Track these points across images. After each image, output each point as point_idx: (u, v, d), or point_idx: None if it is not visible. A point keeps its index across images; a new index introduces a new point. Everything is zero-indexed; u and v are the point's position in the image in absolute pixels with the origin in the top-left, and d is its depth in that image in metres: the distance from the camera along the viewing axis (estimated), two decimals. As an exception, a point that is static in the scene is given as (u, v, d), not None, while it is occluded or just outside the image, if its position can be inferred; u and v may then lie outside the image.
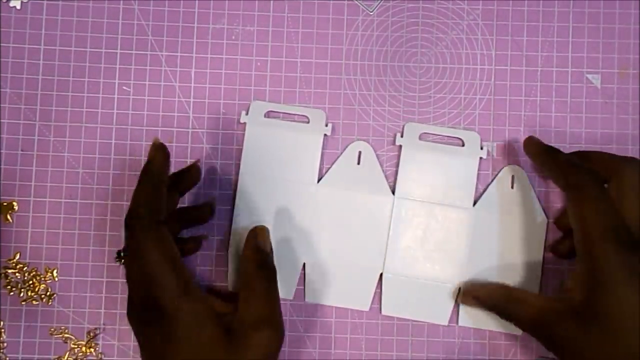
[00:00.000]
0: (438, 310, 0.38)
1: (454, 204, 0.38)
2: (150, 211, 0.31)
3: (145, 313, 0.30)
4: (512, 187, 0.38)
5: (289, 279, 0.38)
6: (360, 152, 0.38)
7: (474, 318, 0.38)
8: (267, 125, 0.38)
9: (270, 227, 0.38)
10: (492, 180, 0.38)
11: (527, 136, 0.37)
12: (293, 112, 0.38)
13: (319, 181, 0.38)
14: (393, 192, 0.38)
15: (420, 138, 0.38)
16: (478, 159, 0.38)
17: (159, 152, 0.32)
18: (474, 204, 0.38)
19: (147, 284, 0.30)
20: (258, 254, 0.34)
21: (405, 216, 0.38)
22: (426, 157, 0.38)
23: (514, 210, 0.38)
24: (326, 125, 0.38)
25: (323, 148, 0.38)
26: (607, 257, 0.30)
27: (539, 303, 0.33)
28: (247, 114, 0.38)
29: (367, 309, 0.38)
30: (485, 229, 0.38)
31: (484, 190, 0.38)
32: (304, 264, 0.38)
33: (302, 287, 0.38)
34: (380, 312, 0.38)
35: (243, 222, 0.38)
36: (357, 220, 0.38)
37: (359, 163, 0.38)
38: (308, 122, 0.38)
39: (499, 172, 0.38)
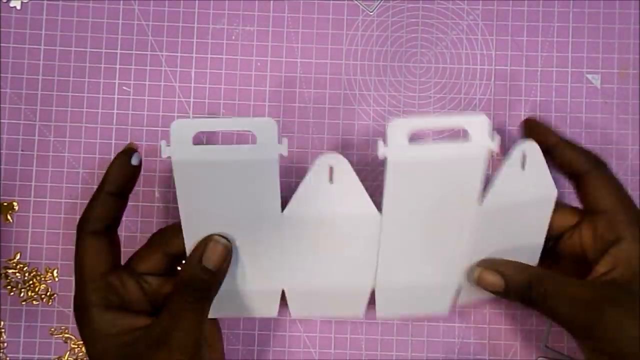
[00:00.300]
0: (437, 302, 0.35)
1: (455, 208, 0.31)
2: (84, 220, 0.32)
3: (75, 308, 0.32)
4: (523, 168, 0.32)
5: (268, 303, 0.34)
6: (331, 168, 0.31)
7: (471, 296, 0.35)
8: (200, 157, 0.29)
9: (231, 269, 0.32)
10: (499, 170, 0.31)
11: (525, 119, 0.35)
12: (229, 129, 0.30)
13: (283, 209, 0.31)
14: (379, 208, 0.32)
15: (410, 138, 0.30)
16: (486, 152, 0.30)
17: (117, 160, 0.32)
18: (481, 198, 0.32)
19: (76, 287, 0.32)
20: (200, 272, 0.31)
21: (397, 236, 0.32)
22: (421, 168, 0.30)
23: (523, 196, 0.32)
24: (280, 142, 0.29)
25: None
26: None
27: (580, 294, 0.31)
28: (168, 144, 0.29)
29: (360, 316, 0.35)
30: (492, 226, 0.32)
31: (490, 182, 0.32)
32: (283, 290, 0.34)
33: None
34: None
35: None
36: (337, 245, 0.32)
37: (331, 181, 0.31)
38: (255, 141, 0.29)
39: (509, 154, 0.31)
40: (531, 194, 0.32)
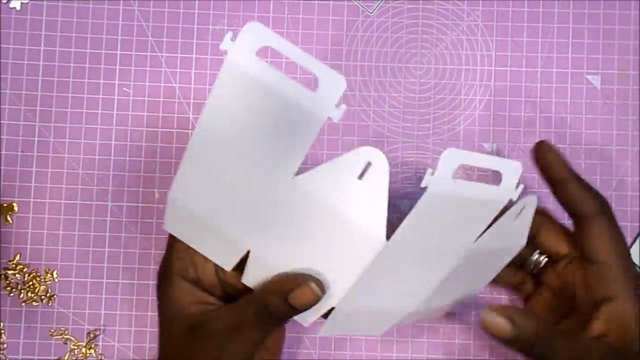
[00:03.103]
0: (379, 325, 0.33)
1: (453, 245, 0.30)
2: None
3: (159, 272, 0.33)
4: (515, 219, 0.30)
5: (228, 253, 0.31)
6: (368, 164, 0.27)
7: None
8: (255, 69, 0.26)
9: (214, 196, 0.29)
10: (501, 218, 0.30)
11: (539, 141, 0.33)
12: (301, 63, 0.26)
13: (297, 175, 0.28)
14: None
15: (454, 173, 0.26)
16: (507, 200, 0.29)
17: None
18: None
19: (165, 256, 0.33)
20: (283, 305, 0.30)
21: (388, 264, 0.29)
22: (450, 204, 0.27)
23: (504, 242, 0.32)
24: (337, 106, 0.26)
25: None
26: None
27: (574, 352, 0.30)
28: (233, 39, 0.26)
29: (306, 324, 0.32)
30: (467, 264, 0.31)
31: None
32: (248, 251, 0.30)
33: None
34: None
35: (184, 193, 0.30)
36: (330, 240, 0.29)
37: (361, 177, 0.27)
38: (315, 89, 0.26)
39: (511, 205, 0.29)
40: (510, 241, 0.32)
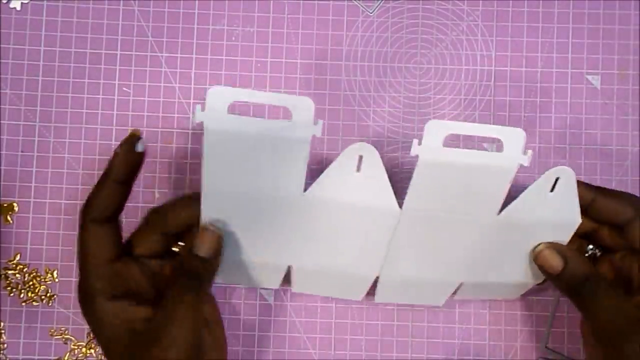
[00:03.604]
0: (434, 296, 0.36)
1: (473, 214, 0.32)
2: (88, 208, 0.31)
3: (80, 297, 0.32)
4: (551, 191, 0.31)
5: (273, 276, 0.35)
6: (361, 157, 0.30)
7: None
8: (233, 126, 0.29)
9: (241, 237, 0.33)
10: (526, 188, 0.31)
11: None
12: (266, 102, 0.29)
13: (305, 190, 0.31)
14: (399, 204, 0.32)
15: (444, 143, 0.29)
16: (516, 167, 0.30)
17: (122, 147, 0.31)
18: (499, 211, 0.32)
19: (80, 275, 0.32)
20: (192, 260, 0.31)
21: (412, 232, 0.32)
22: (450, 171, 0.30)
23: (544, 217, 0.32)
24: (315, 123, 0.29)
25: (312, 150, 0.30)
26: None
27: (628, 310, 0.31)
28: (203, 109, 0.29)
29: (359, 299, 0.36)
30: (506, 238, 0.33)
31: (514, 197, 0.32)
32: (289, 266, 0.34)
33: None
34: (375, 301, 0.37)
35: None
36: (351, 233, 0.32)
37: (358, 170, 0.30)
38: (290, 117, 0.29)
39: (540, 175, 0.31)
40: (553, 217, 0.32)
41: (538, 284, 0.36)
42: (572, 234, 0.33)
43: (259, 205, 0.31)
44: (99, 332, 0.31)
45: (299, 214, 0.32)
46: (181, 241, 0.33)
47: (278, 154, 0.30)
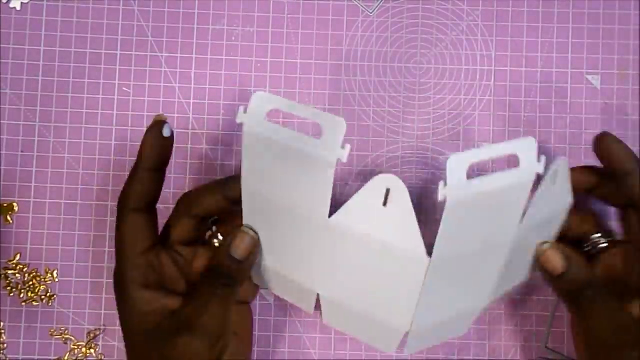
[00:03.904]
0: (460, 326, 0.35)
1: (498, 235, 0.30)
2: (125, 197, 0.32)
3: (114, 283, 0.33)
4: (554, 184, 0.31)
5: (306, 299, 0.34)
6: (388, 190, 0.29)
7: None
8: (268, 132, 0.29)
9: (277, 253, 0.33)
10: (538, 189, 0.30)
11: (602, 134, 0.33)
12: (302, 116, 0.28)
13: (331, 214, 0.30)
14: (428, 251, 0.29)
15: (468, 174, 0.27)
16: (534, 176, 0.29)
17: (149, 134, 0.32)
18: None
19: (117, 264, 0.32)
20: (227, 260, 0.31)
21: (444, 276, 0.30)
22: (478, 202, 0.28)
23: (553, 209, 0.32)
24: (342, 147, 0.28)
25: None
26: None
27: (621, 321, 0.31)
28: (245, 111, 0.29)
29: (392, 351, 0.34)
30: (525, 242, 0.32)
31: (529, 201, 0.30)
32: (318, 294, 0.33)
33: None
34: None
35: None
36: (377, 272, 0.31)
37: (385, 204, 0.29)
38: (320, 135, 0.28)
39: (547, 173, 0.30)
40: (558, 206, 0.32)
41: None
42: (566, 216, 0.33)
43: (289, 219, 0.31)
44: (128, 318, 0.32)
45: (324, 240, 0.31)
46: (215, 226, 0.34)
47: (303, 170, 0.29)
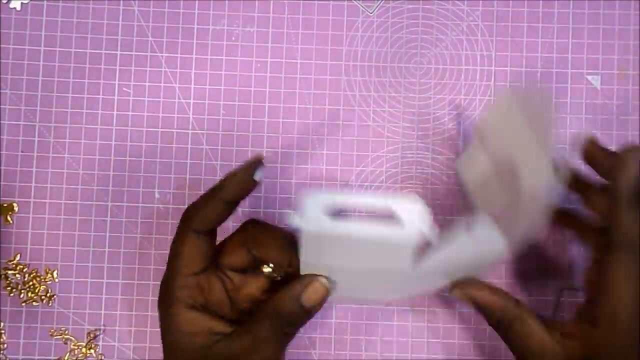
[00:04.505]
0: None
1: (386, 274, 0.32)
2: (192, 216, 0.32)
3: (160, 298, 0.32)
4: (469, 232, 0.31)
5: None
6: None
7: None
8: (331, 230, 0.29)
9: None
10: (446, 244, 0.31)
11: (587, 141, 0.32)
12: (368, 207, 0.28)
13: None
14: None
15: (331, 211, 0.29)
16: (418, 239, 0.29)
17: (242, 170, 0.31)
18: None
19: (166, 280, 0.32)
20: (297, 308, 0.31)
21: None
22: (338, 242, 0.30)
23: (469, 254, 0.32)
24: (425, 223, 0.28)
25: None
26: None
27: (541, 342, 0.30)
28: (299, 213, 0.29)
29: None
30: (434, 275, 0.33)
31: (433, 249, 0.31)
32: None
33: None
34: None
35: None
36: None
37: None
38: (397, 223, 0.28)
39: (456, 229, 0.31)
40: (479, 252, 0.32)
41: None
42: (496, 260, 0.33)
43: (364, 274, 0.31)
44: (173, 338, 0.31)
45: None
46: (267, 263, 0.33)
47: (381, 253, 0.29)
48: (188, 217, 0.32)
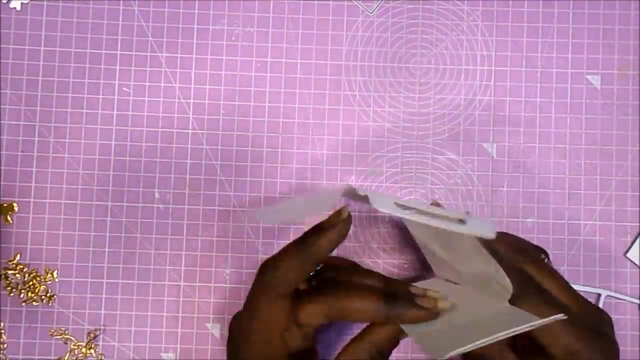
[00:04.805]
0: None
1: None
2: (279, 282, 0.30)
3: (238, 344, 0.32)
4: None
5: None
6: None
7: None
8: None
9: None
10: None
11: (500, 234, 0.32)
12: (437, 221, 0.28)
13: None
14: None
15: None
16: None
17: (336, 229, 0.30)
18: None
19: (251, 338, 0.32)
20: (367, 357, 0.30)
21: None
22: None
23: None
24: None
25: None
26: None
27: None
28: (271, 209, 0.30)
29: None
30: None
31: None
32: None
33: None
34: None
35: None
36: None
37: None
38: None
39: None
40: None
41: None
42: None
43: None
44: None
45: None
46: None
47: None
48: (275, 280, 0.30)
